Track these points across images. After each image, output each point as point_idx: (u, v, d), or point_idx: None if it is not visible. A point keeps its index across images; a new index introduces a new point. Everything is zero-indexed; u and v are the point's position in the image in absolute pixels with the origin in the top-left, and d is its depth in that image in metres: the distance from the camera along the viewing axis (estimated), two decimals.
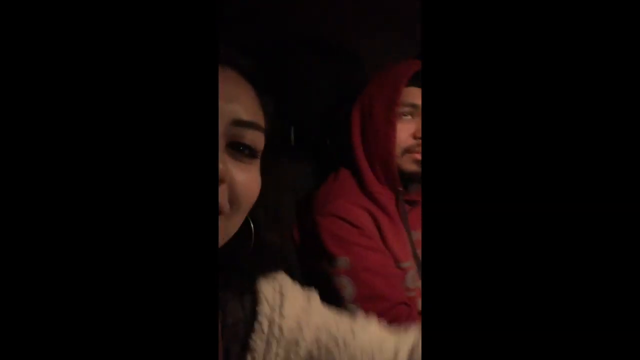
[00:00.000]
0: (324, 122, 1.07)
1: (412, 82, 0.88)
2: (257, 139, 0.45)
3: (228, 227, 0.46)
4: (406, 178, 0.93)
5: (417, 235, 0.91)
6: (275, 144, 0.53)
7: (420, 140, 0.89)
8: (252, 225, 0.52)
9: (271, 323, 0.54)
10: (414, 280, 0.90)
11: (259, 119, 0.47)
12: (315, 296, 0.58)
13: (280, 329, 0.53)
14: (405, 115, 0.89)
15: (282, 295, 0.56)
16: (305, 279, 0.93)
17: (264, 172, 0.51)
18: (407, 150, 0.90)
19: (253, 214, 0.50)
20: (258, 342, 0.53)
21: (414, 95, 0.89)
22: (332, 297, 0.83)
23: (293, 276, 0.71)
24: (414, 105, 0.89)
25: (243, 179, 0.45)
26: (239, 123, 0.44)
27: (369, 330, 0.55)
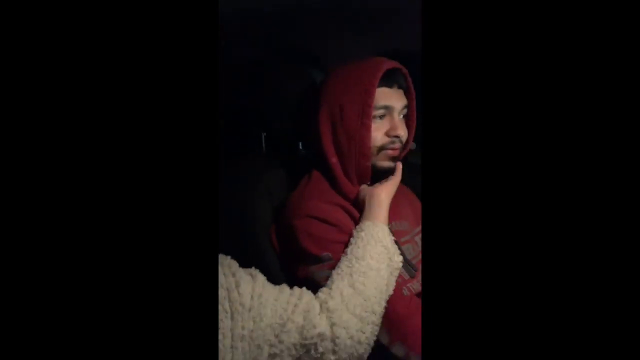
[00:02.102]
0: (295, 127, 1.07)
1: (381, 83, 0.89)
2: None
3: None
4: (380, 174, 0.94)
5: (397, 225, 0.93)
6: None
7: (395, 138, 0.91)
8: None
9: (232, 302, 0.63)
10: None
11: None
12: (257, 273, 0.70)
13: (242, 305, 0.63)
14: (379, 117, 0.90)
15: (234, 276, 0.66)
16: (288, 284, 0.93)
17: (238, 181, 0.52)
18: (382, 148, 0.91)
19: None
20: (224, 319, 0.62)
21: (385, 97, 0.90)
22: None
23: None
24: (386, 107, 0.90)
25: None
26: None
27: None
